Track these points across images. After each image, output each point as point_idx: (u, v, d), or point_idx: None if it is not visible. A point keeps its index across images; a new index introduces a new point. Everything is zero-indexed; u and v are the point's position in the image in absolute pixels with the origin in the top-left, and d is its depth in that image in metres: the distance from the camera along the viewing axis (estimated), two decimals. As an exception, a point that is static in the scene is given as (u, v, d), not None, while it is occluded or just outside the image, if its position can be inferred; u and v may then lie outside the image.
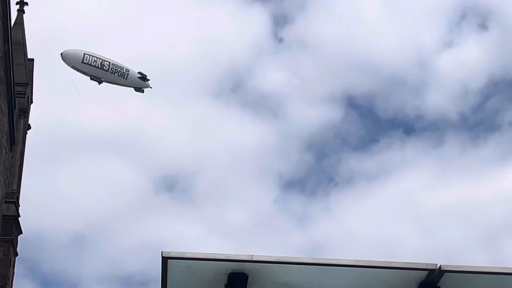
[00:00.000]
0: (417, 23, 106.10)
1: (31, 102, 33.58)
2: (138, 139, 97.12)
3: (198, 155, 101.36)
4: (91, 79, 51.11)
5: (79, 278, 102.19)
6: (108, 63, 52.39)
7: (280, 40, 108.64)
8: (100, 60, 52.07)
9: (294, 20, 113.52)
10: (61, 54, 50.74)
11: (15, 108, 31.37)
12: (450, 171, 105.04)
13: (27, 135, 33.81)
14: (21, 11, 34.56)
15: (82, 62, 50.67)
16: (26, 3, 35.16)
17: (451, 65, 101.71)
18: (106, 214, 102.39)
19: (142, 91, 45.47)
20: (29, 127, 33.96)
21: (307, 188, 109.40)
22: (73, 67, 48.15)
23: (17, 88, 31.42)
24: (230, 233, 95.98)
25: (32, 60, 34.22)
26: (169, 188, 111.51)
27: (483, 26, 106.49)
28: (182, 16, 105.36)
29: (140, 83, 45.24)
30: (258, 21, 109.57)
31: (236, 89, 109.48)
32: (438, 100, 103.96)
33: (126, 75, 43.85)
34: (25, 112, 33.11)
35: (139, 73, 44.92)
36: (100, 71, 51.91)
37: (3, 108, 29.93)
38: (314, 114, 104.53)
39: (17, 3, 34.12)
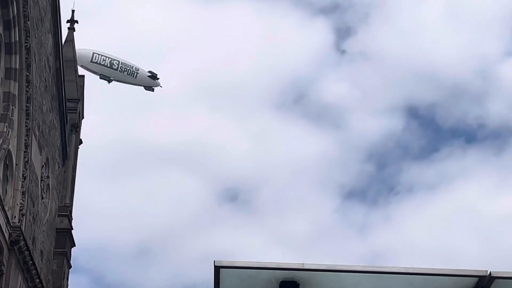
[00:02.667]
0: (479, 32, 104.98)
1: (83, 117, 33.81)
2: (202, 152, 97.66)
3: (260, 167, 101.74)
4: (101, 78, 51.14)
5: (143, 287, 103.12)
6: (117, 62, 52.26)
7: (343, 52, 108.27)
8: (109, 59, 52.03)
9: (357, 32, 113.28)
10: None
11: (67, 124, 31.60)
12: (511, 179, 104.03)
13: (79, 149, 33.99)
14: (71, 29, 34.81)
15: (91, 61, 50.68)
16: (76, 21, 35.47)
17: None
18: (170, 226, 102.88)
19: (152, 90, 45.25)
20: (80, 142, 34.17)
21: (368, 197, 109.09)
22: (82, 66, 48.29)
23: (68, 104, 31.65)
24: (292, 243, 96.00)
25: (83, 76, 34.44)
26: (232, 200, 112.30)
27: None
28: (245, 29, 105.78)
29: (150, 82, 44.99)
30: (320, 33, 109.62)
31: (298, 101, 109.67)
32: (500, 109, 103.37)
33: (135, 74, 43.63)
34: (77, 128, 33.33)
35: (149, 71, 44.68)
36: (109, 70, 51.88)
37: (55, 124, 30.17)
38: (375, 124, 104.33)
39: (67, 22, 34.34)
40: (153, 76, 44.92)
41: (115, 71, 52.11)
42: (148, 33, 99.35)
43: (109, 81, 51.44)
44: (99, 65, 51.35)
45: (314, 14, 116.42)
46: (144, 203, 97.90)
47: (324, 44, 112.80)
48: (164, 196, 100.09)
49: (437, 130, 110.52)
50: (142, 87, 43.91)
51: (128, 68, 52.51)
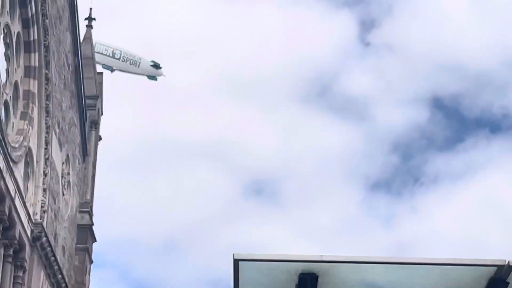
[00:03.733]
0: (504, 23, 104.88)
1: (102, 114, 33.87)
2: (227, 146, 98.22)
3: (285, 160, 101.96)
4: (103, 67, 50.97)
5: (169, 282, 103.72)
6: (119, 52, 52.09)
7: (367, 44, 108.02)
8: (111, 49, 51.86)
9: (381, 24, 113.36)
10: None
11: (86, 121, 31.68)
12: None
13: (99, 146, 34.07)
14: (89, 27, 34.87)
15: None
16: (94, 19, 35.50)
17: None
18: (196, 220, 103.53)
19: (156, 79, 44.76)
20: (100, 138, 34.25)
21: (393, 188, 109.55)
22: None
23: (87, 101, 31.72)
24: (317, 235, 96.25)
25: (101, 73, 34.50)
26: (258, 193, 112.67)
27: None
28: (269, 23, 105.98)
29: (153, 71, 44.50)
30: (345, 25, 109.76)
31: (323, 94, 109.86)
32: None
33: (138, 63, 43.14)
34: (96, 124, 33.40)
35: (152, 61, 44.31)
36: (112, 60, 51.70)
37: (75, 121, 30.24)
38: (400, 116, 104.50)
39: (85, 19, 34.40)
40: (156, 66, 44.54)
41: (117, 61, 51.96)
42: (172, 30, 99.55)
43: (112, 71, 51.27)
44: (101, 55, 51.18)
45: (338, 7, 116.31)
46: (169, 198, 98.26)
47: (348, 36, 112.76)
48: (189, 190, 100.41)
49: (462, 120, 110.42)
50: (145, 77, 43.44)
51: (130, 57, 52.32)
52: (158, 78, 44.39)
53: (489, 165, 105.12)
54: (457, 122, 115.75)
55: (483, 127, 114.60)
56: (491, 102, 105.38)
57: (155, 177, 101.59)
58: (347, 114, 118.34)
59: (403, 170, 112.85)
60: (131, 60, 49.83)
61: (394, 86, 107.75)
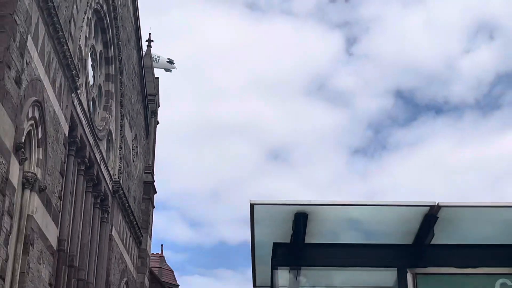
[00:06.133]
0: (447, 37, 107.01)
1: (159, 106, 33.89)
2: (254, 126, 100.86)
3: (294, 135, 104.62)
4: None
5: (213, 219, 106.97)
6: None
7: (351, 54, 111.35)
8: None
9: (361, 40, 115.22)
10: None
11: (148, 110, 31.77)
12: (466, 138, 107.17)
13: (157, 128, 34.10)
14: (149, 46, 34.85)
15: None
16: (152, 40, 35.46)
17: (469, 64, 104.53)
18: (233, 176, 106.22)
19: (170, 71, 43.51)
20: (158, 123, 34.25)
21: (368, 153, 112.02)
22: None
23: (149, 97, 31.80)
24: (315, 186, 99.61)
25: (158, 78, 34.52)
26: (275, 158, 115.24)
27: (491, 37, 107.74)
28: (284, 39, 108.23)
29: (168, 65, 43.41)
30: (336, 41, 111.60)
31: (320, 89, 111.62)
32: (459, 90, 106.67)
33: (157, 60, 41.53)
34: (155, 113, 33.43)
35: (168, 58, 43.23)
36: None
37: (140, 111, 30.36)
38: (373, 104, 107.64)
39: (146, 41, 34.39)
40: (170, 61, 43.55)
41: None
42: (214, 44, 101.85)
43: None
44: None
45: (332, 28, 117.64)
46: (213, 163, 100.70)
47: (338, 49, 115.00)
48: (227, 156, 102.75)
49: (416, 106, 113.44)
50: (163, 70, 42.15)
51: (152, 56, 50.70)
52: (173, 71, 43.49)
53: (434, 137, 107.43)
54: (412, 107, 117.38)
55: (430, 110, 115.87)
56: (436, 93, 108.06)
57: (202, 148, 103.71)
58: (337, 103, 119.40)
59: (375, 141, 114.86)
60: (153, 58, 48.82)
61: (370, 83, 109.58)
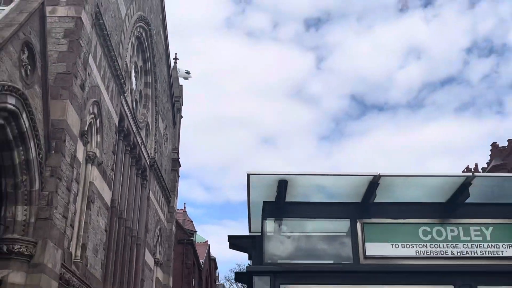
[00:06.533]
0: (387, 56, 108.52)
1: (182, 105, 33.74)
2: (251, 119, 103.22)
3: (281, 126, 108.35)
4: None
5: (223, 186, 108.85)
6: None
7: (319, 68, 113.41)
8: None
9: (327, 59, 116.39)
10: None
11: (174, 108, 31.67)
12: (400, 128, 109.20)
13: (181, 120, 34.05)
14: (175, 62, 34.68)
15: None
16: (177, 58, 35.23)
17: (402, 76, 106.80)
18: (235, 155, 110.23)
19: (187, 79, 42.18)
20: (181, 117, 34.13)
21: (330, 139, 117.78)
22: None
23: (175, 99, 31.69)
24: (295, 163, 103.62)
25: (182, 85, 34.36)
26: (266, 142, 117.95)
27: (418, 57, 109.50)
28: (272, 57, 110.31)
29: (186, 75, 42.01)
30: (309, 60, 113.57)
31: (298, 93, 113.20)
32: (395, 95, 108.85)
33: (178, 71, 40.07)
34: (179, 110, 33.32)
35: (186, 70, 41.77)
36: None
37: (169, 108, 30.26)
38: (335, 104, 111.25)
39: (173, 59, 34.21)
40: (188, 72, 42.77)
41: None
42: (220, 61, 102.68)
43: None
44: None
45: (306, 50, 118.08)
46: (223, 145, 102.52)
47: (310, 65, 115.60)
48: (231, 140, 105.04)
49: (364, 105, 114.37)
50: (182, 78, 41.03)
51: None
52: (189, 79, 42.88)
53: (377, 127, 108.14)
54: (362, 106, 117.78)
55: (374, 108, 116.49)
56: (379, 96, 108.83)
57: (213, 135, 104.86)
58: (309, 103, 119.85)
59: (336, 130, 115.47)
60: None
61: (333, 89, 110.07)
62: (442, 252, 7.39)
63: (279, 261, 7.50)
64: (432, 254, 7.39)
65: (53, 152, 12.48)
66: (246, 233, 8.34)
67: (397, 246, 7.48)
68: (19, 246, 11.22)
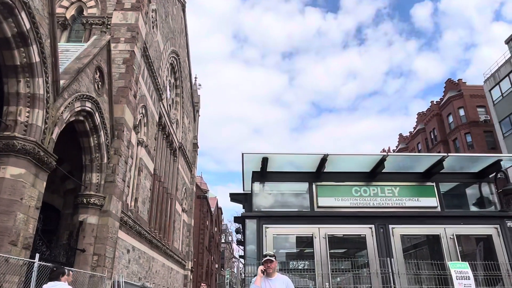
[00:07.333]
0: (339, 75, 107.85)
1: (199, 107, 33.40)
2: (245, 117, 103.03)
3: (264, 122, 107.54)
4: None
5: (227, 160, 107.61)
6: None
7: (292, 85, 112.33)
8: None
9: (297, 78, 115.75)
10: None
11: (194, 109, 31.39)
12: (343, 123, 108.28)
13: (199, 118, 33.72)
14: (196, 79, 34.29)
15: None
16: (197, 77, 34.82)
17: (344, 90, 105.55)
18: (234, 141, 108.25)
19: (199, 88, 38.34)
20: (199, 115, 33.72)
21: (298, 130, 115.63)
22: None
23: (194, 103, 31.35)
24: (274, 146, 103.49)
25: (199, 95, 33.97)
26: (256, 132, 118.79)
27: (354, 77, 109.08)
28: (258, 77, 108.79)
29: (198, 87, 38.04)
30: (284, 79, 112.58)
31: (276, 100, 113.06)
32: (341, 101, 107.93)
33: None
34: (198, 111, 33.01)
35: (199, 83, 37.12)
36: None
37: (191, 109, 29.97)
38: (302, 108, 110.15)
39: (194, 78, 33.83)
40: (199, 84, 40.88)
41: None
42: (224, 80, 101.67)
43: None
44: None
45: (283, 72, 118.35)
46: (225, 135, 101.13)
47: (284, 83, 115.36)
48: (231, 132, 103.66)
49: (320, 108, 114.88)
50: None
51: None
52: (200, 89, 39.92)
53: (328, 123, 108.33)
54: (319, 109, 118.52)
55: (326, 110, 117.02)
56: (329, 102, 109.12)
57: (219, 128, 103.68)
58: (284, 107, 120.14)
59: (301, 125, 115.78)
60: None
61: (300, 98, 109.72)
62: (367, 204, 7.61)
63: (262, 209, 7.63)
64: (360, 205, 7.60)
65: (115, 138, 12.49)
66: (241, 191, 8.44)
67: (338, 199, 7.66)
68: (94, 199, 11.38)
